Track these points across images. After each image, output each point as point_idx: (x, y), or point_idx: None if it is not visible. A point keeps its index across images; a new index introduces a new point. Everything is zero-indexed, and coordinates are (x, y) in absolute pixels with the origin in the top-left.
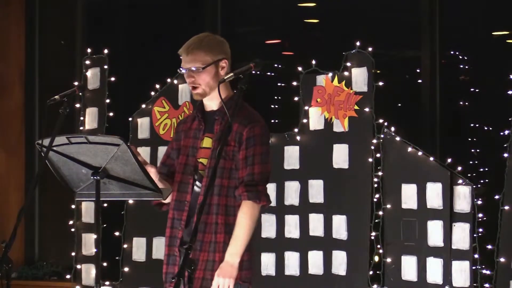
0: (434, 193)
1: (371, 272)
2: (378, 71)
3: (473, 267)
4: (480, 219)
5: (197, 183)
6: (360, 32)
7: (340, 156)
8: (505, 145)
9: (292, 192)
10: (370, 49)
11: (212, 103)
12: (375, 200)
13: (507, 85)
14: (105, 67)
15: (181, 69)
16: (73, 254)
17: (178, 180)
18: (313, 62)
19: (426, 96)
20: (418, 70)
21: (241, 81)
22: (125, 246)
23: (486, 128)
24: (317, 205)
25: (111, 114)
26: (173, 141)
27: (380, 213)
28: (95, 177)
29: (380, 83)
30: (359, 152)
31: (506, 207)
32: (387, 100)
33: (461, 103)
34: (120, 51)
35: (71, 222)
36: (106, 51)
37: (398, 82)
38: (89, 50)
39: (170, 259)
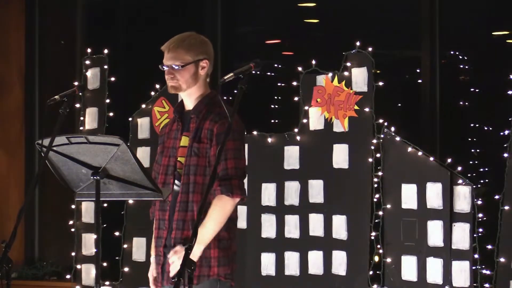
0: (434, 193)
1: (371, 272)
2: (378, 71)
3: (473, 267)
4: (480, 219)
5: (176, 181)
6: (360, 32)
7: (340, 156)
8: (505, 145)
9: (292, 192)
10: (370, 49)
11: (188, 101)
12: (375, 200)
13: (507, 85)
14: (105, 67)
15: (162, 66)
16: (73, 254)
17: (161, 181)
18: (313, 62)
19: (426, 96)
20: (418, 70)
21: (241, 81)
22: (125, 246)
23: (486, 128)
24: (317, 205)
25: (111, 114)
26: (159, 145)
27: (380, 213)
28: (95, 177)
29: (380, 83)
30: (359, 152)
31: (506, 207)
32: (387, 100)
33: (461, 103)
34: (120, 51)
35: (71, 222)
36: (106, 51)
37: (398, 82)
38: (89, 50)
39: (156, 259)
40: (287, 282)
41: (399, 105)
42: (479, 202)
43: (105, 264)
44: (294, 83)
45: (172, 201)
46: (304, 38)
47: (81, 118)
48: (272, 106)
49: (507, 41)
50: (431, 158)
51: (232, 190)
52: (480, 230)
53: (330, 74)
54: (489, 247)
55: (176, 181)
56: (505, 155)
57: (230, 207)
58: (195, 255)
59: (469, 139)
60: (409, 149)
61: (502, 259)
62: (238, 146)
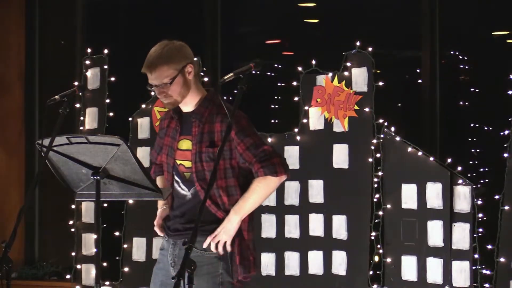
0: (434, 193)
1: (371, 272)
2: (378, 71)
3: (473, 267)
4: (480, 219)
5: (182, 186)
6: (360, 32)
7: (340, 156)
8: (505, 145)
9: (292, 192)
10: (370, 49)
11: (186, 106)
12: (375, 200)
13: (507, 85)
14: (105, 67)
15: (151, 87)
16: (73, 254)
17: (166, 178)
18: (313, 62)
19: (426, 96)
20: (418, 70)
21: (241, 81)
22: (125, 246)
23: (486, 128)
24: (317, 205)
25: (111, 114)
26: (157, 137)
27: (380, 213)
28: (95, 177)
29: (380, 83)
30: (359, 152)
31: (506, 207)
32: (387, 100)
33: (461, 103)
34: (120, 51)
35: (71, 222)
36: (106, 51)
37: (398, 82)
38: (89, 50)
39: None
40: (287, 282)
41: (399, 105)
42: (479, 202)
43: (105, 264)
44: (294, 83)
45: (188, 205)
46: (304, 38)
47: (81, 118)
48: (272, 106)
49: (507, 41)
50: (431, 158)
51: (276, 169)
52: (480, 230)
53: (330, 74)
54: (489, 247)
55: (182, 185)
56: (505, 155)
57: (275, 186)
58: (231, 226)
59: (469, 139)
60: (409, 149)
61: (502, 259)
62: (260, 137)
